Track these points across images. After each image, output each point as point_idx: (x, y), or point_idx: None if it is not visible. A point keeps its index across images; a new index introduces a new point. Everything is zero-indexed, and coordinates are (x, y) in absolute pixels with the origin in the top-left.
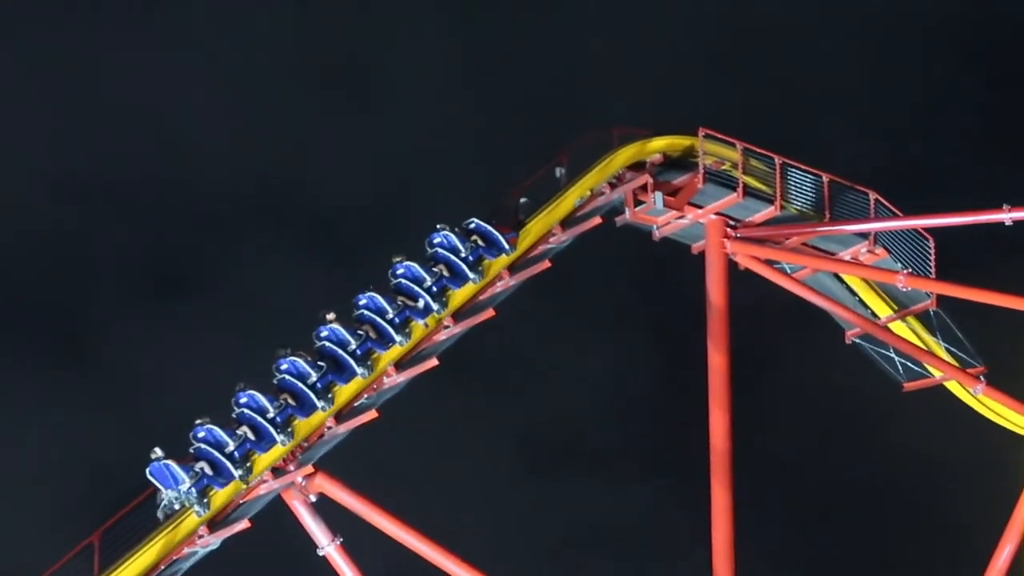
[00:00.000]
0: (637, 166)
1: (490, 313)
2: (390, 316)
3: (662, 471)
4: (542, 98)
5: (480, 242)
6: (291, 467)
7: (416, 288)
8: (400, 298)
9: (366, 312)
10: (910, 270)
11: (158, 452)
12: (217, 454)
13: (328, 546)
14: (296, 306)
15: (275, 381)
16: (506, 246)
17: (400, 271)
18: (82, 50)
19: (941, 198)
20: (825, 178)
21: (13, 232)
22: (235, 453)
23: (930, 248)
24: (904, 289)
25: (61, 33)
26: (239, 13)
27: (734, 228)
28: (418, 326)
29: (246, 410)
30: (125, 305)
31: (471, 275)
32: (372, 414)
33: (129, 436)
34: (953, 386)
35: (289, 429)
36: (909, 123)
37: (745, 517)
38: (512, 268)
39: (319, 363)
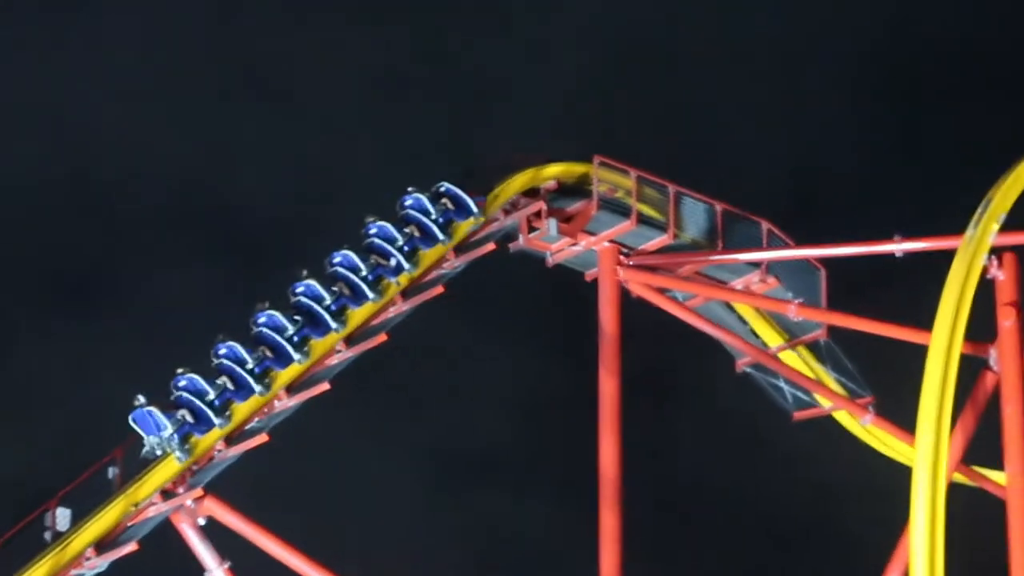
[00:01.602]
0: (531, 192)
1: (383, 338)
2: (363, 273)
3: (566, 488)
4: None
5: (450, 205)
6: (180, 490)
7: (388, 247)
8: (373, 256)
9: (340, 269)
10: (801, 300)
11: (141, 399)
12: (198, 402)
13: (216, 570)
14: (202, 315)
15: (253, 334)
16: (475, 209)
17: (373, 231)
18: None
19: (839, 228)
20: (718, 207)
21: None
22: (215, 402)
23: (821, 278)
24: (795, 319)
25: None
26: (152, 13)
27: (627, 256)
28: (390, 284)
29: (225, 360)
30: (24, 313)
31: (441, 236)
32: (263, 437)
33: (23, 449)
34: (842, 416)
35: (267, 380)
36: (809, 151)
37: (638, 536)
38: (405, 293)
39: (295, 317)
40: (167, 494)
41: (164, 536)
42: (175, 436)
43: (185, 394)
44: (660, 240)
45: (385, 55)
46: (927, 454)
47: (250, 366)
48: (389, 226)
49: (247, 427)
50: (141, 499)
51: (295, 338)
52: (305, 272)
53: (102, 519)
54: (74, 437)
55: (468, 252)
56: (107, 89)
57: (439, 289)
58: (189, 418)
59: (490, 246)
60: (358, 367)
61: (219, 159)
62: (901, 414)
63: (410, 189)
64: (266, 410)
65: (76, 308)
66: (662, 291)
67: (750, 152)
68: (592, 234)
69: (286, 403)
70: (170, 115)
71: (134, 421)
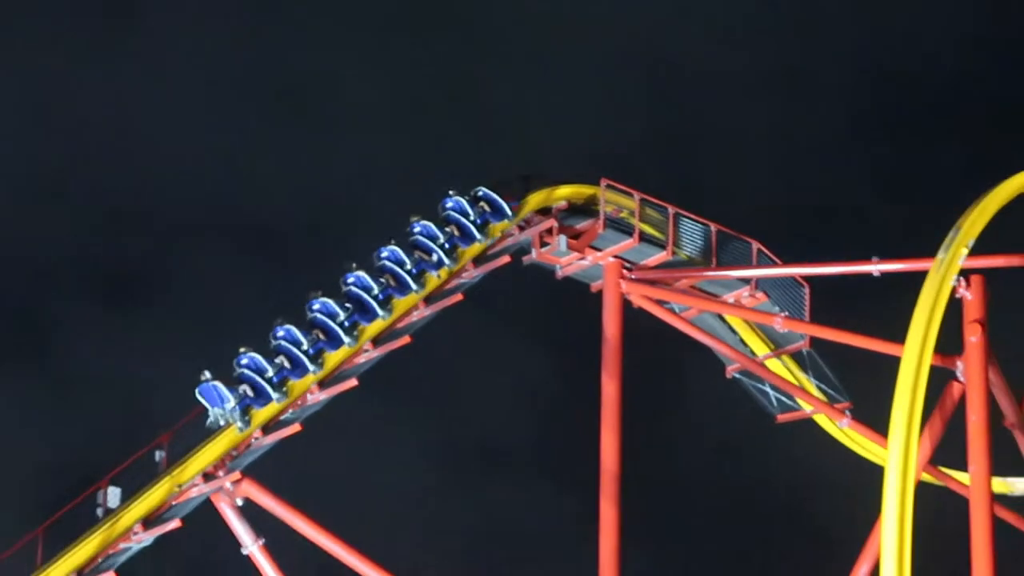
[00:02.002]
0: (544, 211)
1: (407, 340)
2: (408, 267)
3: (569, 480)
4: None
5: (487, 207)
6: (220, 473)
7: (431, 244)
8: (417, 252)
9: (387, 263)
10: (787, 313)
11: (207, 374)
12: (258, 378)
13: (252, 546)
14: (241, 313)
15: (308, 319)
16: (509, 212)
17: (417, 229)
18: (49, 62)
19: (824, 249)
20: (713, 228)
21: None
22: (273, 379)
23: (805, 294)
24: (781, 330)
25: (34, 47)
26: (197, 28)
27: (629, 270)
28: (432, 278)
29: (283, 342)
30: (77, 308)
31: (478, 236)
32: (296, 427)
33: (76, 434)
34: (821, 419)
35: (320, 360)
36: (804, 175)
37: (635, 526)
38: (427, 300)
39: (346, 305)
40: (208, 476)
41: (205, 514)
42: (237, 408)
43: (247, 371)
44: (660, 256)
45: (409, 75)
46: (898, 455)
47: (305, 347)
48: (432, 225)
49: (281, 418)
50: (185, 480)
51: (346, 323)
52: (355, 264)
53: (149, 498)
54: (125, 423)
55: (485, 264)
56: (159, 104)
57: (459, 296)
58: (250, 393)
59: (505, 259)
60: (380, 366)
61: (259, 169)
62: (875, 419)
63: (451, 192)
64: (299, 403)
65: (128, 303)
66: (660, 303)
67: (745, 177)
68: (598, 250)
69: (317, 397)
70: (216, 127)
71: (200, 394)
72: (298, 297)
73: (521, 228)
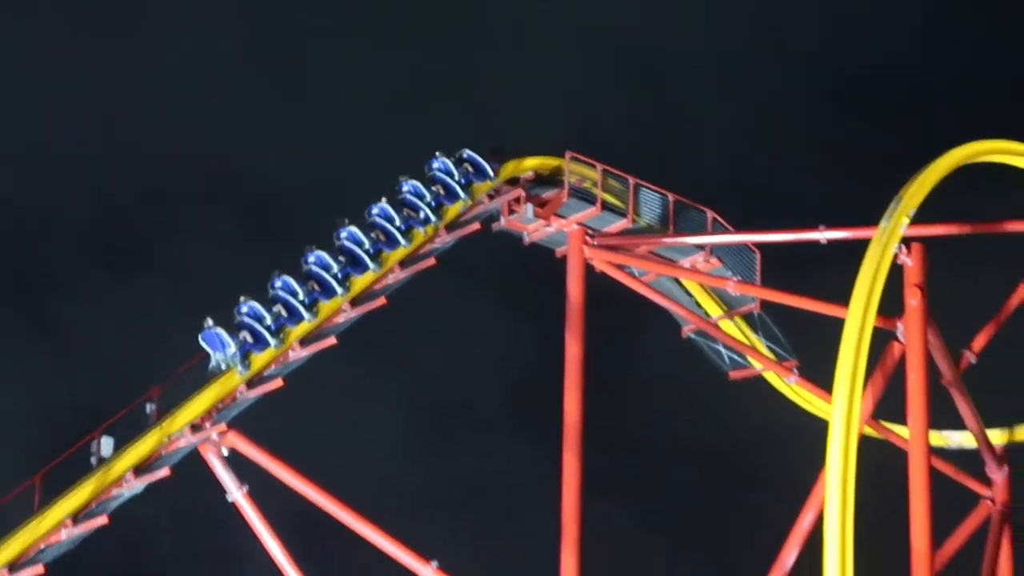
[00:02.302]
0: (512, 181)
1: (382, 301)
2: (397, 223)
3: (535, 434)
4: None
5: (470, 168)
6: (207, 425)
7: (419, 202)
8: (405, 210)
9: (378, 219)
10: (739, 278)
11: (209, 321)
12: (257, 325)
13: (236, 493)
14: (233, 279)
15: (303, 271)
16: (491, 173)
17: (406, 188)
18: (43, 37)
19: (775, 218)
20: (671, 197)
21: None
22: (271, 326)
23: (756, 260)
24: (733, 293)
25: (24, 22)
26: (198, 23)
27: (592, 237)
28: (418, 233)
29: (281, 292)
30: (77, 271)
31: (463, 195)
32: (279, 382)
33: (75, 389)
34: (771, 376)
35: (314, 309)
36: (761, 148)
37: (595, 476)
38: (403, 263)
39: (339, 257)
40: (196, 428)
41: (193, 464)
42: (238, 353)
43: (246, 318)
44: (621, 224)
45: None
46: (842, 410)
47: (301, 297)
48: (420, 184)
49: (264, 374)
50: (174, 431)
51: (339, 275)
52: (347, 220)
53: (140, 448)
54: (119, 378)
55: (457, 230)
56: (158, 84)
57: (431, 261)
58: (249, 339)
59: (476, 226)
60: (358, 328)
61: (250, 144)
62: (821, 376)
63: (437, 154)
64: (281, 360)
65: (125, 267)
66: (621, 267)
67: (702, 149)
68: (563, 218)
69: (299, 354)
70: (211, 106)
71: (203, 340)
72: (290, 262)
73: (491, 197)
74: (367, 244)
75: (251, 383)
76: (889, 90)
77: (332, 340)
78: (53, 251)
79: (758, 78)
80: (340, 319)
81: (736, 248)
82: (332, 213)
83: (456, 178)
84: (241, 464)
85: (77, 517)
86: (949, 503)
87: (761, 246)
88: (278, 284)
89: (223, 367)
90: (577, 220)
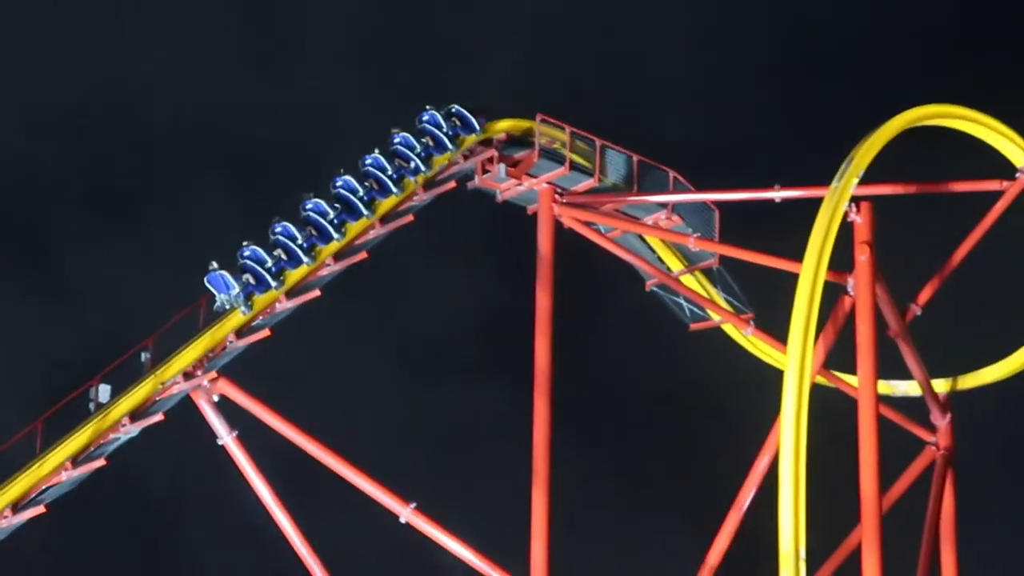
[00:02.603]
0: (486, 142)
1: (364, 255)
2: (389, 172)
3: (508, 380)
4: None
5: (458, 122)
6: (199, 372)
7: (409, 153)
8: (397, 160)
9: (371, 169)
10: (699, 234)
11: (215, 264)
12: (259, 268)
13: (226, 437)
14: (226, 233)
15: (302, 217)
16: (477, 127)
17: (397, 140)
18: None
19: (734, 176)
20: (635, 158)
21: None
22: (272, 268)
23: (715, 217)
24: (693, 249)
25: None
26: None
27: (561, 195)
28: (409, 182)
29: (281, 237)
30: (77, 225)
31: (451, 146)
32: (266, 332)
33: (75, 335)
34: (729, 328)
35: (312, 254)
36: (721, 110)
37: (564, 420)
38: (383, 220)
39: (335, 204)
40: (188, 375)
41: (185, 409)
42: (241, 294)
43: (249, 261)
44: (588, 183)
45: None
46: (795, 360)
47: (300, 241)
48: (411, 136)
49: (253, 323)
50: (167, 379)
51: (335, 221)
52: (342, 170)
53: (136, 394)
54: (116, 327)
55: (434, 188)
56: (159, 50)
57: (409, 217)
58: (252, 280)
59: (451, 184)
60: (342, 281)
61: (241, 106)
62: (776, 328)
63: (428, 107)
64: (269, 310)
65: (122, 222)
66: (588, 224)
67: (666, 112)
68: (533, 177)
69: (285, 305)
70: (205, 70)
71: (208, 282)
72: (288, 211)
73: (466, 157)
74: (361, 192)
75: (240, 332)
76: (846, 53)
77: (316, 292)
78: (55, 208)
79: (722, 43)
80: (324, 272)
81: (696, 206)
82: (322, 167)
83: (444, 130)
84: (231, 410)
85: (76, 460)
86: (896, 448)
87: (720, 204)
88: (278, 229)
89: (227, 307)
90: (547, 179)
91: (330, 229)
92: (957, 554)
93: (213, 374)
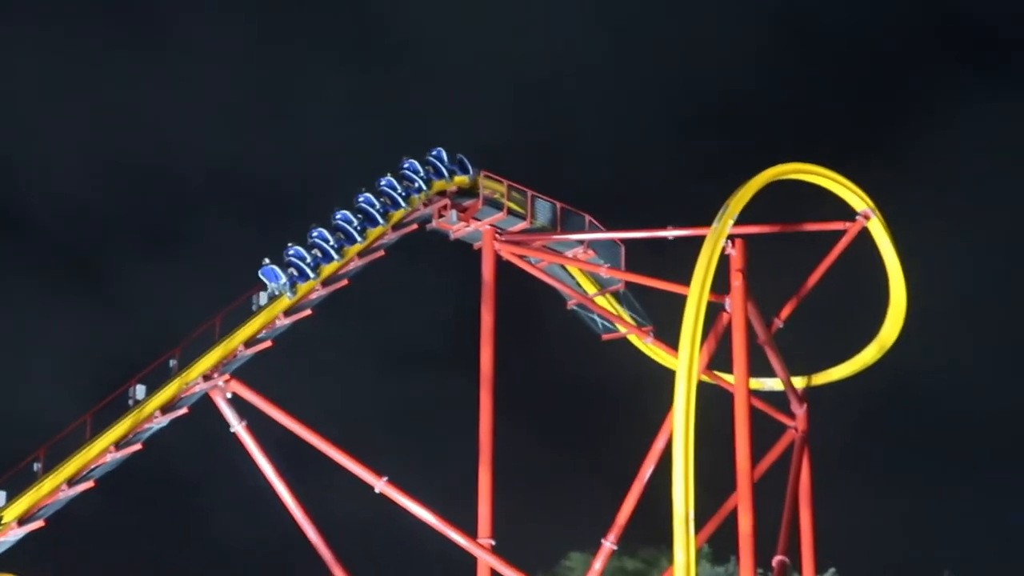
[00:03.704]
0: (441, 193)
1: (345, 283)
2: (399, 190)
3: (466, 376)
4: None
5: (431, 169)
6: (215, 375)
7: (415, 176)
8: (404, 182)
9: (385, 188)
10: (609, 264)
11: (267, 260)
12: (301, 263)
13: (237, 426)
14: (245, 254)
15: (333, 224)
16: (471, 172)
17: (406, 165)
18: (106, 66)
19: (636, 219)
20: (558, 205)
21: (57, 194)
22: (311, 264)
23: (621, 251)
24: (604, 276)
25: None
26: (211, 39)
27: (500, 234)
28: (414, 198)
29: (317, 240)
30: (124, 250)
31: (447, 176)
32: (268, 343)
33: (120, 344)
34: (633, 338)
35: (341, 252)
36: (629, 160)
37: (507, 408)
38: (360, 254)
39: (358, 215)
40: (207, 377)
41: (204, 404)
42: (287, 283)
43: (293, 258)
44: (521, 225)
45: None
46: (685, 363)
47: (332, 243)
48: (416, 163)
49: (258, 336)
50: (190, 380)
51: (358, 227)
52: (364, 188)
53: (165, 392)
54: (153, 337)
55: (400, 229)
56: (189, 101)
57: (381, 253)
58: (295, 273)
59: (415, 226)
60: (332, 301)
61: (258, 147)
62: (670, 338)
63: (438, 148)
64: (269, 326)
65: (162, 248)
66: (522, 257)
67: (586, 165)
68: (478, 220)
69: (284, 322)
70: (229, 117)
71: (262, 274)
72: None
73: (425, 205)
74: (378, 205)
75: (247, 343)
76: (731, 113)
77: (308, 312)
78: (109, 239)
79: (629, 105)
80: (313, 296)
81: (606, 243)
82: (327, 199)
83: (446, 165)
84: (241, 405)
85: (119, 444)
86: (764, 431)
87: (625, 241)
88: (315, 234)
89: (277, 294)
90: (489, 222)
91: (355, 233)
92: (812, 512)
93: (227, 376)
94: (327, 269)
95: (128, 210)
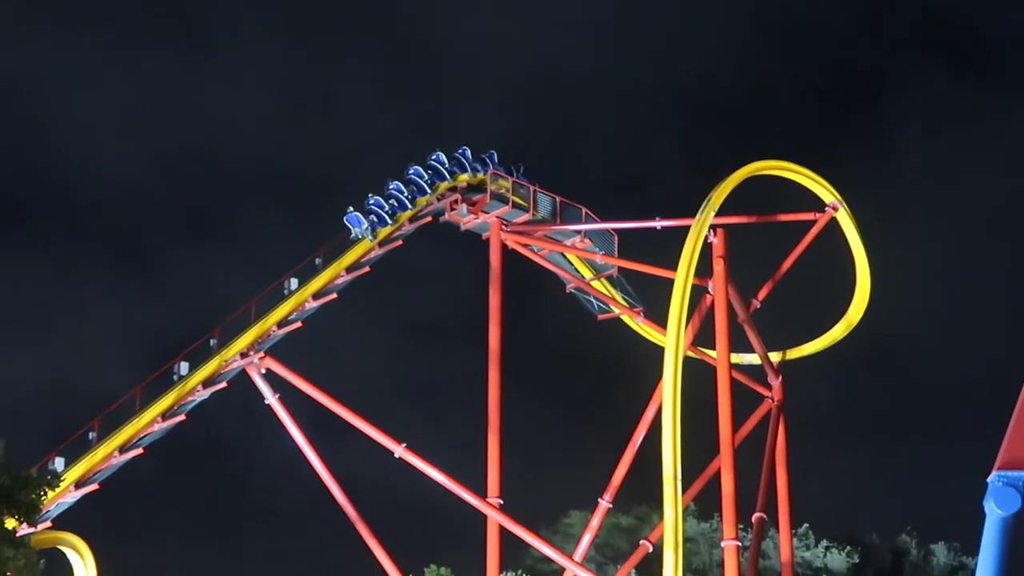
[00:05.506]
0: (452, 188)
1: (367, 270)
2: (406, 194)
3: (477, 349)
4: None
5: (480, 164)
6: (251, 352)
7: (441, 168)
8: (430, 169)
9: (420, 169)
10: (603, 252)
11: (351, 208)
12: (380, 211)
13: (271, 398)
14: (281, 245)
15: (406, 179)
16: (469, 169)
17: (434, 157)
18: (163, 65)
19: (632, 208)
20: (558, 199)
21: (113, 182)
22: (389, 211)
23: (615, 240)
24: (600, 262)
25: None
26: (255, 45)
27: (506, 226)
28: (439, 185)
29: (394, 191)
30: (172, 238)
31: (469, 171)
32: (298, 324)
33: (168, 325)
34: (626, 318)
35: (413, 202)
36: (624, 155)
37: (515, 379)
38: (381, 243)
39: (409, 185)
40: (244, 355)
41: (241, 379)
42: (369, 228)
43: (374, 206)
44: (525, 217)
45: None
46: (672, 339)
47: (406, 194)
48: (443, 156)
49: (289, 318)
50: (229, 357)
51: (410, 196)
52: (413, 164)
53: (206, 368)
54: (196, 318)
55: (416, 221)
56: (230, 105)
57: (399, 243)
58: (375, 219)
59: (429, 218)
60: (357, 282)
61: (294, 145)
62: (659, 317)
63: (464, 148)
64: (299, 308)
65: (206, 234)
66: (526, 246)
67: (584, 160)
68: (486, 213)
69: (312, 305)
70: (268, 116)
71: (347, 221)
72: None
73: (439, 200)
74: (426, 177)
75: (280, 324)
76: (717, 112)
77: (333, 295)
78: (160, 227)
79: (627, 104)
80: (339, 282)
81: (601, 232)
82: (349, 194)
83: (471, 161)
84: (274, 379)
85: (165, 415)
86: (743, 400)
87: (618, 230)
88: (391, 187)
89: (360, 237)
90: (496, 215)
91: (426, 187)
92: (788, 473)
93: (261, 353)
94: (386, 229)
95: (175, 200)
